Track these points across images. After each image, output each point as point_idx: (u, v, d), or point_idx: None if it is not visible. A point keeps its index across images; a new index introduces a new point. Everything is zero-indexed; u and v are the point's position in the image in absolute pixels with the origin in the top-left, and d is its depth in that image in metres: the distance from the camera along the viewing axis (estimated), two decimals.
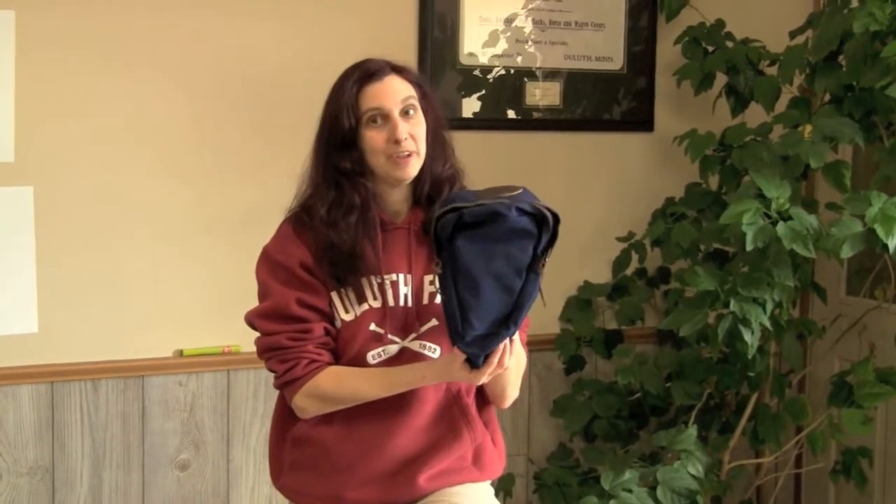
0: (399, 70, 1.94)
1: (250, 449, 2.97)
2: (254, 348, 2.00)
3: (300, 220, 1.96)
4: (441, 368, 1.89)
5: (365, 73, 1.91)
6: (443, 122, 1.99)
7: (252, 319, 1.97)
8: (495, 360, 1.82)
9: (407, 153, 1.89)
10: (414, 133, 1.90)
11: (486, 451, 2.06)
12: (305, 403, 1.93)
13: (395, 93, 1.90)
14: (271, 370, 1.97)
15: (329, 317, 1.94)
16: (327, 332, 1.94)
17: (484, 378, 1.85)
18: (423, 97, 1.95)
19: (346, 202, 1.90)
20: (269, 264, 1.96)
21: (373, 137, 1.89)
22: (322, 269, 1.92)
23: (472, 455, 2.04)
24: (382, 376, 1.92)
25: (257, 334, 1.99)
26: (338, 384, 1.92)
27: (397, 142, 1.88)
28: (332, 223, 1.90)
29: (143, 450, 2.88)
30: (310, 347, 1.92)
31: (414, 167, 1.91)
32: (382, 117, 1.89)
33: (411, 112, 1.91)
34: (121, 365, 2.83)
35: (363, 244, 1.90)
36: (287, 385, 1.94)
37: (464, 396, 2.01)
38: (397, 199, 1.97)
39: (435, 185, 1.97)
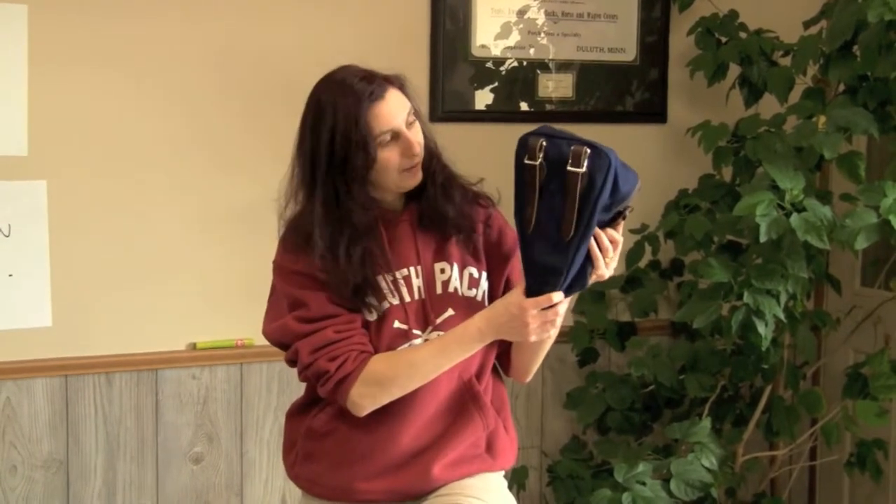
0: (391, 81, 1.92)
1: (264, 442, 2.98)
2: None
3: (298, 241, 1.92)
4: (497, 309, 1.87)
5: (367, 92, 1.87)
6: (422, 116, 1.99)
7: (291, 327, 1.92)
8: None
9: (417, 162, 1.92)
10: (419, 141, 1.93)
11: (499, 439, 2.06)
12: (362, 395, 1.89)
13: (400, 109, 1.90)
14: (320, 375, 1.90)
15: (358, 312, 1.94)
16: (363, 325, 1.94)
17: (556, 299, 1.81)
18: (409, 98, 1.94)
19: (349, 228, 1.89)
20: (287, 276, 1.93)
21: (388, 156, 1.89)
22: None
23: (486, 442, 2.04)
24: (433, 343, 1.91)
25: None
26: (391, 363, 1.90)
27: (413, 155, 1.90)
28: (335, 258, 1.88)
29: (157, 443, 2.89)
30: (356, 338, 1.90)
31: (420, 174, 1.94)
32: (393, 136, 1.89)
33: (412, 121, 1.93)
34: (134, 358, 2.83)
35: (372, 274, 1.90)
36: (341, 383, 1.89)
37: (475, 384, 2.01)
38: (393, 199, 1.98)
39: (424, 177, 1.97)
